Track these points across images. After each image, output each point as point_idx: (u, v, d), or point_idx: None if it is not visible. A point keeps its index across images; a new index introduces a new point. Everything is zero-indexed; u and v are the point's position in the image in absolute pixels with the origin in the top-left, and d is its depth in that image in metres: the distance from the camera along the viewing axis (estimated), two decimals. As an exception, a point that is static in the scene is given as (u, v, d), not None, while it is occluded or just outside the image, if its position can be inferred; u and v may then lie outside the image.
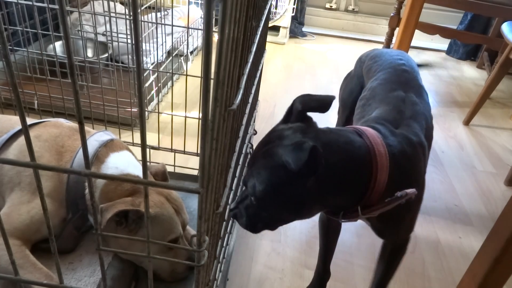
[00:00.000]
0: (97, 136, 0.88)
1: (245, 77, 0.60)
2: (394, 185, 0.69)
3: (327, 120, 1.97)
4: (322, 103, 0.71)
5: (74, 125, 0.92)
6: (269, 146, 0.67)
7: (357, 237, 1.31)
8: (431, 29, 2.50)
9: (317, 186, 0.65)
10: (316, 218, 1.37)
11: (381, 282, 0.97)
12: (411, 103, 0.87)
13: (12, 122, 0.91)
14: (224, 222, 0.70)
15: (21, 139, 0.85)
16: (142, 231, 0.78)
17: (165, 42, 1.92)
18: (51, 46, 1.70)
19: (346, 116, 1.19)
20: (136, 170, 0.86)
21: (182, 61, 2.16)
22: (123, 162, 0.85)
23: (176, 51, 2.15)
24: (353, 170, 0.67)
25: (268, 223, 0.72)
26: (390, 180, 0.69)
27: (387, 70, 1.01)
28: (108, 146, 0.86)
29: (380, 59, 1.07)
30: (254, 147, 0.73)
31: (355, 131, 0.72)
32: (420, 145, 0.77)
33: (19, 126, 0.88)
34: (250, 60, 0.66)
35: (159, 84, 1.82)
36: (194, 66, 2.34)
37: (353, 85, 1.16)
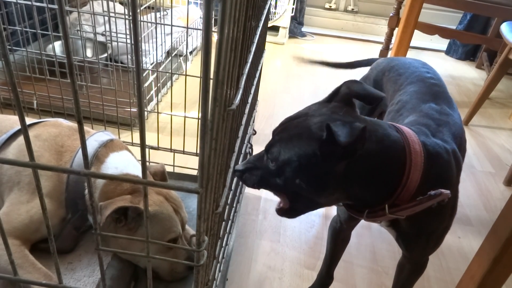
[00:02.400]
0: (96, 136, 0.88)
1: (244, 77, 0.60)
2: (426, 186, 0.66)
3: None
4: (370, 96, 0.69)
5: (74, 125, 0.91)
6: (306, 117, 0.65)
7: (357, 237, 1.31)
8: (430, 29, 2.50)
9: (347, 172, 0.63)
10: (316, 218, 1.37)
11: None
12: (445, 114, 0.83)
13: (11, 121, 0.91)
14: (224, 222, 0.70)
15: (21, 139, 0.84)
16: (142, 230, 0.78)
17: (165, 42, 1.92)
18: (50, 46, 1.69)
19: None
20: (135, 170, 0.85)
21: (182, 61, 2.16)
22: (123, 162, 0.85)
23: (176, 51, 2.15)
24: (386, 163, 0.65)
25: (280, 191, 0.68)
26: (423, 181, 0.66)
27: (416, 84, 0.97)
28: (108, 146, 0.86)
29: (406, 71, 1.03)
30: (253, 147, 0.73)
31: (393, 126, 0.69)
32: (454, 154, 0.74)
33: (18, 126, 0.88)
34: (250, 60, 0.66)
35: (159, 84, 1.82)
36: (194, 66, 2.34)
37: None
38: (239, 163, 0.74)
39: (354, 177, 0.64)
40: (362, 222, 0.92)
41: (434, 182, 0.68)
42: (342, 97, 0.68)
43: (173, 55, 1.94)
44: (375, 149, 0.64)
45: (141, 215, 0.77)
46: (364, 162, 0.63)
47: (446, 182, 0.69)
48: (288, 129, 0.66)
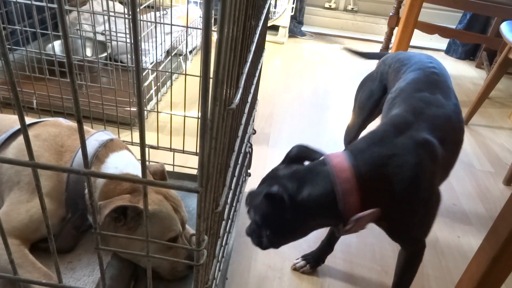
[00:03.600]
0: (96, 136, 0.88)
1: (244, 76, 0.60)
2: (373, 200, 0.76)
3: (327, 121, 1.97)
4: (310, 155, 0.86)
5: (73, 124, 0.91)
6: (265, 184, 0.84)
7: (357, 237, 1.31)
8: (430, 28, 2.50)
9: (297, 216, 0.78)
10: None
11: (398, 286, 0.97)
12: (436, 105, 0.87)
13: (11, 121, 0.90)
14: (223, 221, 0.70)
15: (20, 138, 0.84)
16: (141, 229, 0.78)
17: (164, 41, 1.92)
18: (50, 45, 1.69)
19: (363, 119, 1.17)
20: (135, 169, 0.85)
21: (181, 60, 2.16)
22: (123, 162, 0.85)
23: (175, 51, 2.15)
24: (319, 199, 0.77)
25: (271, 241, 0.85)
26: (368, 196, 0.76)
27: (416, 72, 0.99)
28: (108, 146, 0.86)
29: (409, 61, 1.06)
30: (253, 147, 0.74)
31: (324, 161, 0.81)
32: (424, 148, 0.77)
33: (18, 125, 0.87)
34: (249, 59, 0.66)
35: (158, 84, 1.82)
36: (193, 65, 2.34)
37: (374, 88, 1.13)
38: (239, 163, 0.76)
39: (304, 217, 0.79)
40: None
41: (381, 194, 0.77)
42: (291, 158, 0.87)
43: (172, 54, 1.94)
44: (305, 195, 0.78)
45: (141, 214, 0.77)
46: (302, 206, 0.78)
47: (399, 188, 0.76)
48: (254, 196, 0.85)
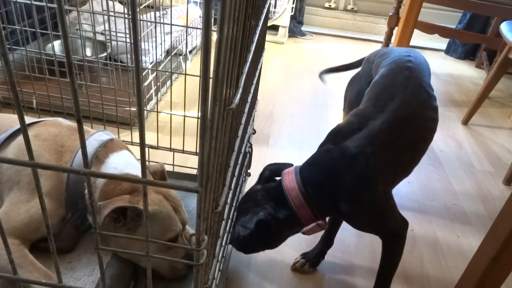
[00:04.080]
0: (96, 136, 0.88)
1: (244, 76, 0.60)
2: (323, 209, 0.89)
3: (326, 119, 1.97)
4: (279, 170, 0.95)
5: (73, 124, 0.91)
6: (246, 206, 0.93)
7: (357, 237, 1.31)
8: (430, 28, 2.50)
9: (277, 232, 0.91)
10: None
11: (379, 273, 1.00)
12: (393, 109, 0.90)
13: (10, 120, 0.90)
14: (223, 221, 0.70)
15: (20, 138, 0.84)
16: (141, 229, 0.78)
17: (164, 41, 1.92)
18: (49, 45, 1.69)
19: None
20: (135, 170, 0.85)
21: (181, 60, 2.16)
22: (122, 162, 0.85)
23: (175, 50, 2.15)
24: (288, 219, 0.90)
25: (254, 248, 0.96)
26: (316, 208, 0.88)
27: (389, 67, 1.01)
28: (108, 146, 0.86)
29: (388, 56, 1.08)
30: (253, 146, 0.75)
31: (280, 182, 0.93)
32: (356, 160, 0.85)
33: (17, 125, 0.87)
34: (249, 59, 0.66)
35: (158, 83, 1.82)
36: (193, 65, 2.34)
37: (361, 85, 1.16)
38: (239, 162, 0.77)
39: (281, 231, 0.92)
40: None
41: (328, 202, 0.88)
42: (266, 178, 0.97)
43: (172, 54, 1.94)
44: (280, 213, 0.90)
45: (140, 214, 0.77)
46: (279, 224, 0.90)
47: (343, 195, 0.86)
48: (241, 215, 0.93)
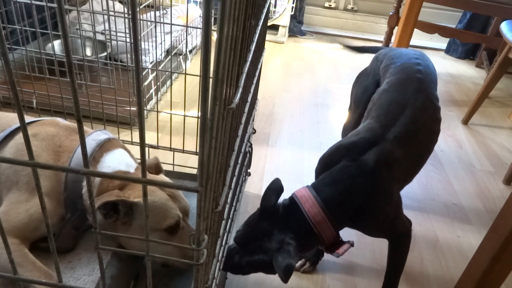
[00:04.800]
0: (94, 136, 0.88)
1: (244, 75, 0.60)
2: (343, 223, 0.89)
3: (324, 118, 1.97)
4: (278, 190, 0.90)
5: (71, 124, 0.91)
6: (259, 243, 0.87)
7: (357, 237, 1.31)
8: (430, 28, 2.50)
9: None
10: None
11: (388, 272, 1.02)
12: (404, 123, 0.92)
13: (8, 119, 0.90)
14: (223, 221, 0.70)
15: (18, 138, 0.84)
16: (135, 222, 0.78)
17: (164, 41, 1.92)
18: (49, 44, 1.69)
19: (358, 114, 1.23)
20: (127, 167, 0.86)
21: (181, 60, 2.15)
22: (115, 161, 0.86)
23: (175, 50, 2.15)
24: (304, 246, 0.88)
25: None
26: (338, 226, 0.87)
27: (398, 76, 1.02)
28: (103, 146, 0.86)
29: (397, 60, 1.08)
30: (253, 146, 0.74)
31: (294, 204, 0.88)
32: (379, 173, 0.86)
33: (15, 124, 0.87)
34: (249, 59, 0.66)
35: (158, 83, 1.82)
36: (193, 65, 2.34)
37: (368, 83, 1.17)
38: (239, 162, 0.76)
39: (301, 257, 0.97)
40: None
41: (351, 218, 0.88)
42: (271, 211, 0.88)
43: (172, 54, 1.94)
44: (300, 243, 0.85)
45: (132, 207, 0.77)
46: (300, 250, 0.87)
47: (365, 210, 0.87)
48: (250, 252, 0.87)
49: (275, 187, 0.90)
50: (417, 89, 0.98)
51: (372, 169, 0.86)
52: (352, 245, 0.88)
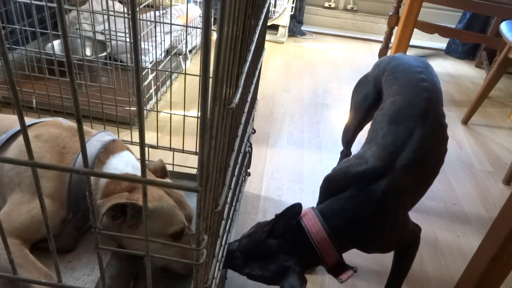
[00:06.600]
0: (99, 137, 0.87)
1: (244, 75, 0.60)
2: (348, 248, 0.91)
3: (325, 119, 1.97)
4: (294, 215, 0.89)
5: (74, 125, 0.91)
6: (263, 262, 0.88)
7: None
8: (430, 28, 2.50)
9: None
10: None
11: (391, 277, 1.03)
12: (413, 148, 0.91)
13: (10, 121, 0.90)
14: (223, 221, 0.70)
15: (21, 139, 0.84)
16: (142, 226, 0.78)
17: (164, 40, 1.92)
18: (49, 44, 1.69)
19: (358, 121, 1.24)
20: (134, 170, 0.85)
21: (181, 59, 2.15)
22: (122, 163, 0.85)
23: (175, 50, 2.15)
24: (307, 262, 0.89)
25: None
26: (342, 250, 0.89)
27: (403, 97, 0.99)
28: (109, 148, 0.86)
29: (401, 75, 1.05)
30: (252, 146, 0.74)
31: (301, 229, 0.89)
32: (382, 206, 0.87)
33: (18, 126, 0.87)
34: (249, 58, 0.66)
35: (158, 83, 1.82)
36: (193, 64, 2.34)
37: (369, 92, 1.17)
38: (238, 162, 0.76)
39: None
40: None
41: (355, 243, 0.90)
42: (280, 231, 0.89)
43: (172, 53, 1.94)
44: (305, 263, 0.88)
45: (140, 211, 0.77)
46: (303, 264, 0.88)
47: (370, 237, 0.89)
48: (255, 269, 0.90)
49: (293, 213, 0.89)
50: (425, 109, 0.95)
51: (379, 200, 0.87)
52: (355, 271, 0.88)
